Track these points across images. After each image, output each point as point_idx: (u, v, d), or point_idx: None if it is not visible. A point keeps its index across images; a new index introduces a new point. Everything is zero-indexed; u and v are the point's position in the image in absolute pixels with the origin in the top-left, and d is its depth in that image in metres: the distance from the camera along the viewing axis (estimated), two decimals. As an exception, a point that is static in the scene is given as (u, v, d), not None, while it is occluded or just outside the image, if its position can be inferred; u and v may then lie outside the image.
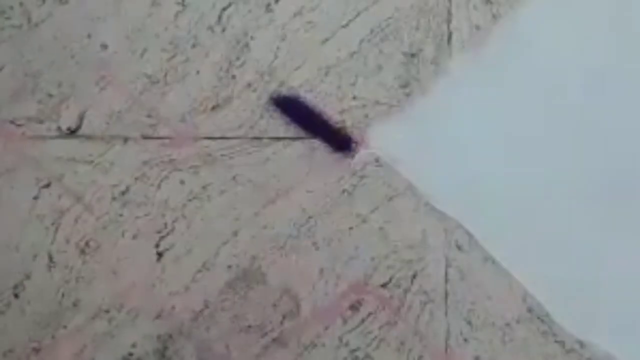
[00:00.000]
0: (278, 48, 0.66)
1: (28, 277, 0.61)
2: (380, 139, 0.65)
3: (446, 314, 0.63)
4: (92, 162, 0.63)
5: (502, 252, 0.64)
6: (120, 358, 0.60)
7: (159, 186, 0.63)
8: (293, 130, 0.65)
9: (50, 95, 0.63)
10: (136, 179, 0.63)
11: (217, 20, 0.66)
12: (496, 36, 0.68)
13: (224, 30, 0.66)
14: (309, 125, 0.65)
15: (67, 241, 0.62)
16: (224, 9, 0.66)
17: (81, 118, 0.64)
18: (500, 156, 0.66)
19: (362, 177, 0.65)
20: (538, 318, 0.63)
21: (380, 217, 0.64)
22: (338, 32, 0.67)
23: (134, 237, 0.62)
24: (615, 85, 0.67)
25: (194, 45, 0.65)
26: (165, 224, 0.63)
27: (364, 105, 0.66)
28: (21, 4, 0.64)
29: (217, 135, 0.64)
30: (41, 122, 0.63)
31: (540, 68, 0.68)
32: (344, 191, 0.64)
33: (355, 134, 0.65)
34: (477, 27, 0.68)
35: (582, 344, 0.62)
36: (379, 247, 0.64)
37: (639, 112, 0.67)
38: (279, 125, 0.65)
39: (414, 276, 0.63)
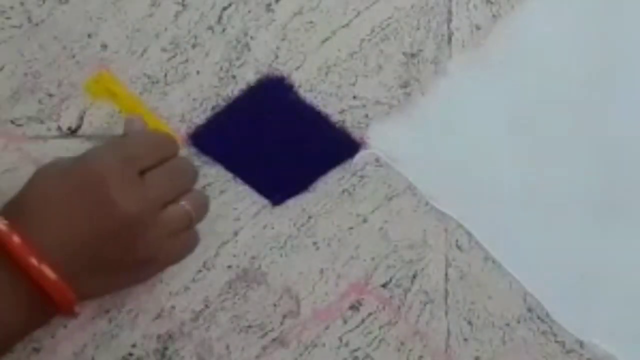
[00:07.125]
0: (278, 48, 0.66)
1: (28, 277, 0.61)
2: (380, 139, 0.65)
3: (446, 313, 0.63)
4: (92, 162, 0.62)
5: (502, 252, 0.64)
6: (120, 358, 0.60)
7: (159, 186, 0.63)
8: (293, 130, 0.65)
9: (51, 95, 0.63)
10: (136, 178, 0.63)
11: (217, 20, 0.66)
12: (497, 36, 0.68)
13: (224, 30, 0.66)
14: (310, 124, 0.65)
15: (67, 241, 0.62)
16: (224, 9, 0.66)
17: (81, 118, 0.63)
18: (501, 156, 0.66)
19: (362, 177, 0.65)
20: (538, 318, 0.63)
21: (380, 217, 0.64)
22: (338, 31, 0.67)
23: (134, 237, 0.62)
24: (618, 86, 0.67)
25: (194, 45, 0.65)
26: (166, 224, 0.63)
27: (364, 105, 0.66)
28: (21, 3, 0.64)
29: (218, 135, 0.64)
30: (41, 122, 0.63)
31: (542, 68, 0.68)
32: (344, 191, 0.64)
33: (355, 134, 0.65)
34: (478, 27, 0.68)
35: (582, 344, 0.62)
36: (379, 247, 0.64)
37: None
38: (279, 125, 0.65)
39: (414, 276, 0.63)
